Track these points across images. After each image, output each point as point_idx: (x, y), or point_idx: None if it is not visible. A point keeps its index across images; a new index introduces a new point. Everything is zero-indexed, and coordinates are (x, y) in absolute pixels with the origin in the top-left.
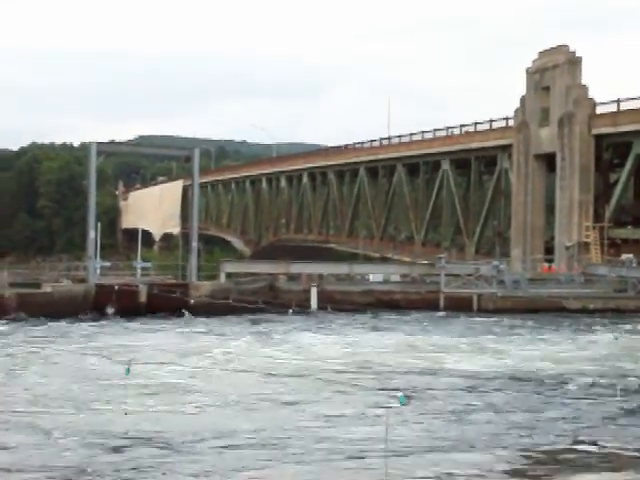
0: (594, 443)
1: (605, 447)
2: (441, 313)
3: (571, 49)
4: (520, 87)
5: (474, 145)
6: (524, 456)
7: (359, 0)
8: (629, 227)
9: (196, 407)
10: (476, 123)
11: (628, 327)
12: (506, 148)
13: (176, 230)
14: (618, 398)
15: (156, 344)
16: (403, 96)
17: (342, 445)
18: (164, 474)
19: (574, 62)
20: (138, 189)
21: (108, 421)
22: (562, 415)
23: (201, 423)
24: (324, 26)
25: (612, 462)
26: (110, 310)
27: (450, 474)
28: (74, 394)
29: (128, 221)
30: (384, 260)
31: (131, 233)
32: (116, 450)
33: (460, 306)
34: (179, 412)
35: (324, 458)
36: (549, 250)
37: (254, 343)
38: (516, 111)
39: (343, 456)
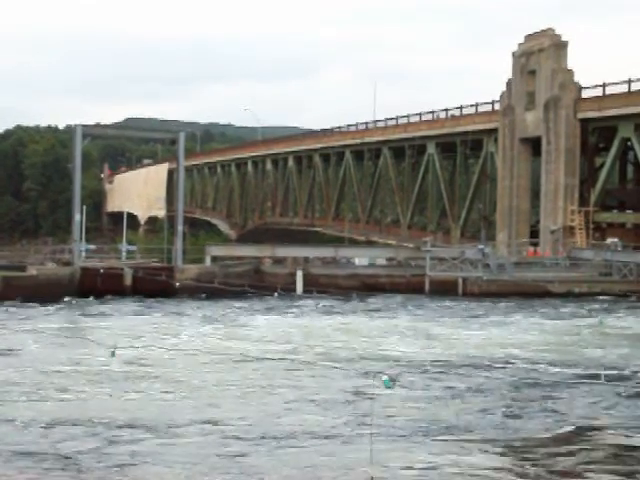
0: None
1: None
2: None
3: (557, 33)
4: (507, 71)
5: (460, 129)
6: None
7: None
8: (614, 211)
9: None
10: (462, 107)
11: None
12: (492, 132)
13: (161, 213)
14: (504, 391)
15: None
16: (392, 79)
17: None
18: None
19: (560, 46)
20: (124, 172)
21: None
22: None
23: (167, 409)
24: (313, 9)
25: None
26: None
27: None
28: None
29: (113, 204)
30: (370, 243)
31: (116, 216)
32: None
33: (445, 289)
34: (149, 398)
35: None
36: (534, 234)
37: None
38: (502, 95)
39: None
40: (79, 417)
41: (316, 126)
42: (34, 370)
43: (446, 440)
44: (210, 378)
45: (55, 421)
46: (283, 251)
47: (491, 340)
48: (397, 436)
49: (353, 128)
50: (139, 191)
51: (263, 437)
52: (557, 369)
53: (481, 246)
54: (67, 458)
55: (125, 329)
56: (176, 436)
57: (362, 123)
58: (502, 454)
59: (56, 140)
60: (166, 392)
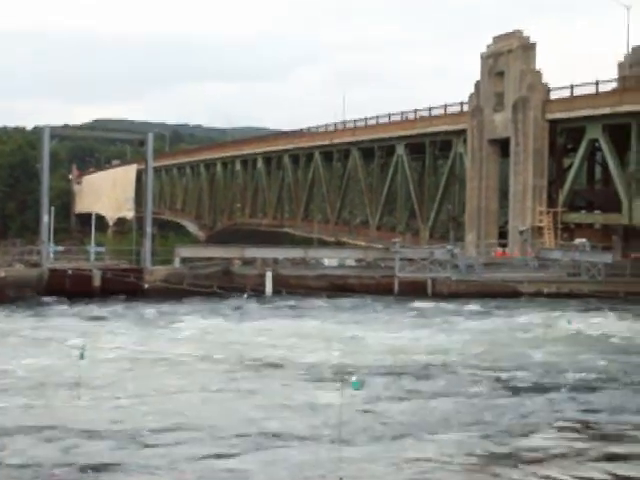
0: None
1: None
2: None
3: (525, 34)
4: (475, 72)
5: (429, 130)
6: None
7: None
8: (582, 212)
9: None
10: (431, 108)
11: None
12: (461, 133)
13: (130, 214)
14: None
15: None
16: (361, 80)
17: None
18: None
19: (528, 47)
20: (92, 173)
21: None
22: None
23: (124, 415)
24: (283, 9)
25: None
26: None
27: None
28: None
29: (82, 205)
30: (339, 244)
31: (85, 217)
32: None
33: (415, 290)
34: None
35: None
36: (503, 235)
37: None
38: (470, 96)
39: None
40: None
41: (285, 127)
42: None
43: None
44: (145, 383)
45: (14, 429)
46: (252, 252)
47: (405, 344)
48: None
49: (322, 129)
50: (108, 192)
51: (233, 443)
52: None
53: (450, 247)
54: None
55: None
56: (147, 443)
57: (331, 124)
58: None
59: (24, 141)
60: (116, 398)
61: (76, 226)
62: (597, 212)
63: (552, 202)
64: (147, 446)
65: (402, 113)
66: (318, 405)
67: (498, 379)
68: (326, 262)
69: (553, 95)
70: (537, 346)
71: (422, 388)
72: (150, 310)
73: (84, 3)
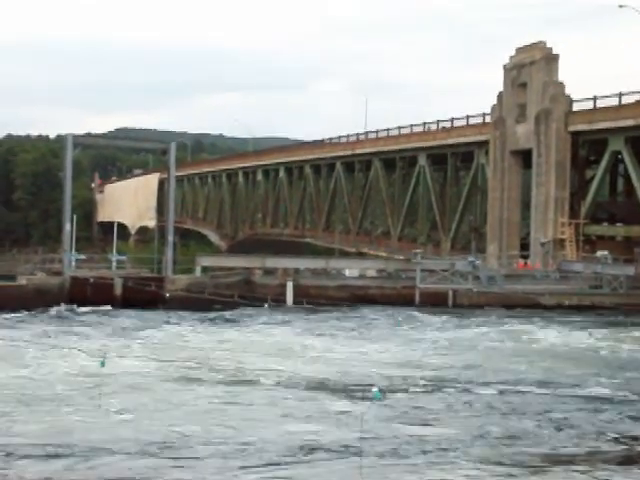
0: None
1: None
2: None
3: (548, 46)
4: (498, 84)
5: (451, 141)
6: None
7: None
8: (604, 224)
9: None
10: (453, 119)
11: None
12: (483, 144)
13: (152, 223)
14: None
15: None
16: (384, 91)
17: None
18: None
19: (551, 59)
20: (114, 182)
21: None
22: None
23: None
24: (306, 20)
25: None
26: None
27: None
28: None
29: (104, 214)
30: (360, 255)
31: (107, 226)
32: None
33: (436, 301)
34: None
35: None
36: (525, 246)
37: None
38: (493, 107)
39: None
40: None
41: (307, 137)
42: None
43: None
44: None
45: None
46: (273, 262)
47: (361, 357)
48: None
49: (344, 139)
50: (130, 201)
51: (262, 455)
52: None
53: (471, 258)
54: None
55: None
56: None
57: (353, 135)
58: None
59: (47, 149)
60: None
61: (98, 234)
62: (619, 224)
63: (574, 214)
64: (167, 459)
65: (424, 124)
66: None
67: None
68: (347, 272)
69: (576, 107)
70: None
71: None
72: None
73: (103, 13)
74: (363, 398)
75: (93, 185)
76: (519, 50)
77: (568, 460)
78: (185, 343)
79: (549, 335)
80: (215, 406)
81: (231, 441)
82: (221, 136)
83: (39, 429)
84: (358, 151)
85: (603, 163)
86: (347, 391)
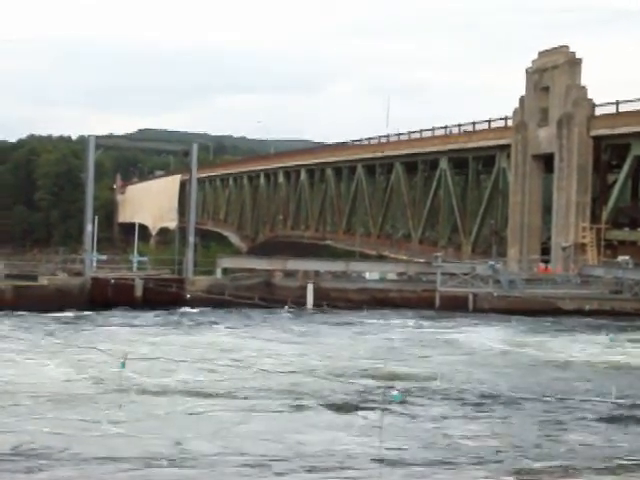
0: None
1: None
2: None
3: (571, 50)
4: (520, 87)
5: (472, 144)
6: None
7: None
8: (626, 229)
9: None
10: (474, 122)
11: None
12: (504, 148)
13: (173, 224)
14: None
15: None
16: (405, 94)
17: None
18: None
19: (574, 63)
20: (136, 183)
21: None
22: None
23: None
24: (327, 22)
25: None
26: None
27: None
28: None
29: (125, 215)
30: (381, 258)
31: (128, 227)
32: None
33: (456, 305)
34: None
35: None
36: (546, 250)
37: None
38: (515, 111)
39: None
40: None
41: (328, 140)
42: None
43: None
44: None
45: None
46: (294, 264)
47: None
48: None
49: (366, 142)
50: (151, 202)
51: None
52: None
53: (492, 262)
54: None
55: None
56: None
57: (375, 137)
58: None
59: (69, 150)
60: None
61: (119, 235)
62: None
63: (595, 219)
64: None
65: (446, 127)
66: None
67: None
68: (367, 275)
69: (598, 111)
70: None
71: None
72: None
73: (126, 14)
74: (383, 401)
75: (115, 186)
76: (542, 54)
77: None
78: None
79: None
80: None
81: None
82: (243, 138)
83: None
84: (379, 154)
85: (625, 168)
86: None
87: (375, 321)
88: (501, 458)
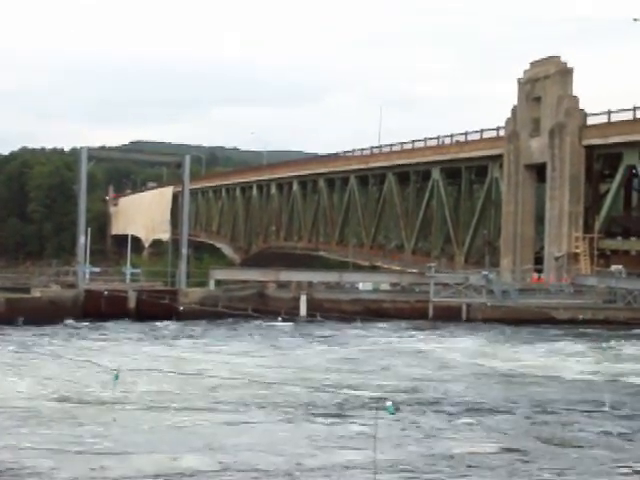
0: None
1: None
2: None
3: (562, 60)
4: (512, 97)
5: (464, 155)
6: None
7: (356, 8)
8: (619, 238)
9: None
10: (467, 133)
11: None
12: (497, 158)
13: (166, 236)
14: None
15: None
16: (399, 104)
17: None
18: None
19: (565, 73)
20: (128, 195)
21: None
22: None
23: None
24: (320, 33)
25: None
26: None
27: None
28: None
29: (118, 227)
30: (374, 268)
31: (121, 239)
32: None
33: (449, 315)
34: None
35: None
36: (539, 260)
37: None
38: (507, 121)
39: None
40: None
41: (321, 151)
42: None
43: None
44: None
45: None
46: (287, 275)
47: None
48: None
49: (358, 153)
50: (144, 214)
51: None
52: None
53: (485, 272)
54: None
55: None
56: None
57: (367, 148)
58: None
59: (61, 162)
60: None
61: (112, 247)
62: (633, 239)
63: (588, 228)
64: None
65: (438, 138)
66: None
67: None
68: (361, 286)
69: (590, 121)
70: None
71: None
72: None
73: (119, 27)
74: (376, 413)
75: (107, 198)
76: (533, 64)
77: None
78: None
79: None
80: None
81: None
82: (235, 149)
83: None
84: (372, 165)
85: (617, 177)
86: None
87: (358, 332)
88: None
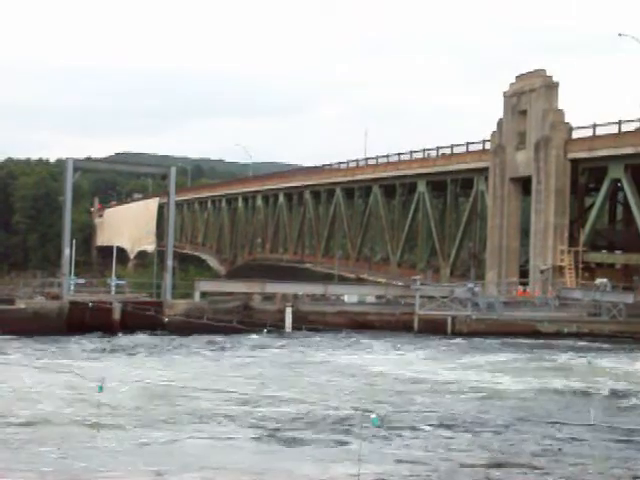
0: None
1: None
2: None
3: (548, 73)
4: (498, 111)
5: (450, 167)
6: None
7: (341, 20)
8: (604, 251)
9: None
10: (453, 145)
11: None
12: (482, 171)
13: (151, 248)
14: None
15: None
16: (385, 117)
17: None
18: None
19: (551, 86)
20: (114, 206)
21: None
22: None
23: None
24: (306, 45)
25: None
26: None
27: None
28: None
29: (103, 238)
30: (359, 281)
31: (106, 250)
32: None
33: (434, 328)
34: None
35: None
36: (524, 273)
37: None
38: (493, 134)
39: None
40: None
41: (307, 163)
42: None
43: None
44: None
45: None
46: (273, 287)
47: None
48: None
49: (344, 165)
50: (129, 225)
51: None
52: None
53: (470, 285)
54: None
55: None
56: None
57: (353, 161)
58: None
59: (47, 173)
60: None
61: (97, 259)
62: (618, 252)
63: (573, 241)
64: None
65: (424, 150)
66: None
67: None
68: (346, 298)
69: (575, 134)
70: None
71: None
72: None
73: (103, 38)
74: (361, 426)
75: (92, 209)
76: (519, 78)
77: None
78: None
79: None
80: None
81: None
82: (221, 161)
83: None
84: (358, 177)
85: (602, 191)
86: None
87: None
88: None
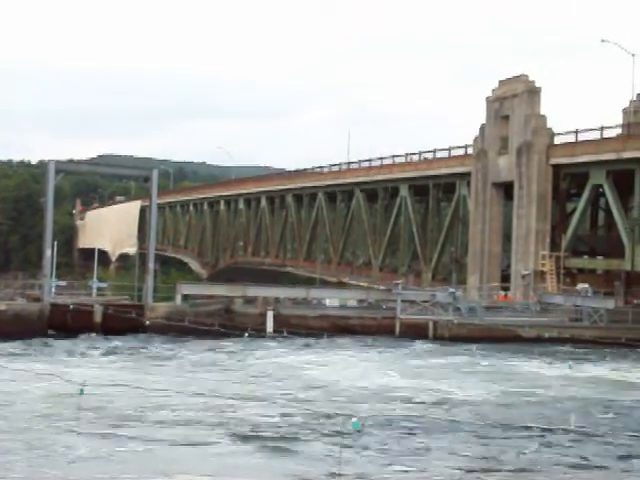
0: None
1: None
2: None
3: (530, 79)
4: (480, 115)
5: (433, 172)
6: None
7: (325, 24)
8: (585, 257)
9: None
10: (435, 150)
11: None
12: (465, 175)
13: (133, 250)
14: None
15: None
16: (369, 121)
17: None
18: None
19: (533, 92)
20: (96, 208)
21: None
22: None
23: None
24: (290, 49)
25: None
26: None
27: None
28: None
29: (85, 240)
30: (341, 285)
31: (87, 252)
32: None
33: (416, 332)
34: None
35: None
36: (505, 278)
37: None
38: (475, 139)
39: None
40: None
41: (289, 166)
42: None
43: None
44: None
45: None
46: (254, 291)
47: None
48: None
49: (326, 169)
50: (111, 228)
51: None
52: None
53: (452, 289)
54: None
55: None
56: None
57: (335, 164)
58: None
59: (28, 175)
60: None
61: (79, 261)
62: (600, 258)
63: (555, 246)
64: None
65: (406, 155)
66: None
67: None
68: (328, 302)
69: (557, 140)
70: None
71: None
72: None
73: (88, 40)
74: (342, 429)
75: (74, 211)
76: (502, 83)
77: None
78: None
79: None
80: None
81: None
82: (204, 164)
83: None
84: (340, 181)
85: (584, 196)
86: None
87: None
88: None
